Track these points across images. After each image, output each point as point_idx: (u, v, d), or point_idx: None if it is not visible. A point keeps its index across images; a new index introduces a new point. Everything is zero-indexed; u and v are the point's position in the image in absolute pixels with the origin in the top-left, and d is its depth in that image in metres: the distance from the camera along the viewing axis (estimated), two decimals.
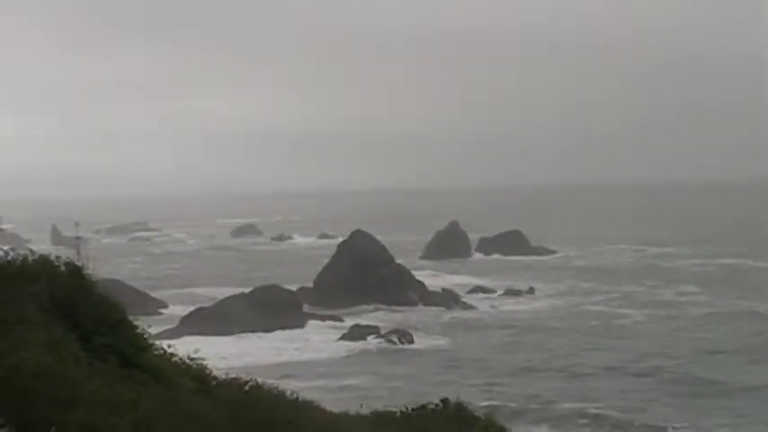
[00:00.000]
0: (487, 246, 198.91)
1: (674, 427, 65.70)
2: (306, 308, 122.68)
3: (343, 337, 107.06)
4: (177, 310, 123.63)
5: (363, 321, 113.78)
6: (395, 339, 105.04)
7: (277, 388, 21.58)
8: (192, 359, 19.43)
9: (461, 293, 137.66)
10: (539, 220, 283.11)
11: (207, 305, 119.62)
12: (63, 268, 17.68)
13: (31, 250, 18.31)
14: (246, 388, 20.00)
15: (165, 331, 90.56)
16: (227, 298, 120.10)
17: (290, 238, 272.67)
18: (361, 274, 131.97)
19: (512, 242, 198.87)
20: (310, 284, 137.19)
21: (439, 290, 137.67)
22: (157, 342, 18.69)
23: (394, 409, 29.32)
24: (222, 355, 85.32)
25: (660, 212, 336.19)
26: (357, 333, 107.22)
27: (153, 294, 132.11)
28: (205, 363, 19.88)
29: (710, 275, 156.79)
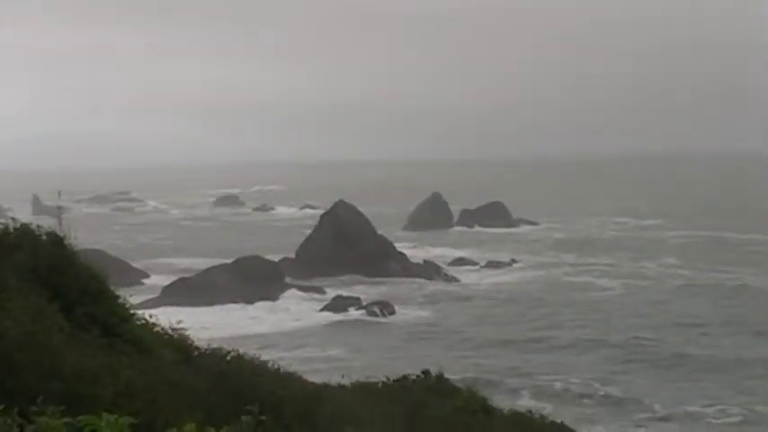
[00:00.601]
0: (469, 217, 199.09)
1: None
2: (288, 279, 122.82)
3: (324, 308, 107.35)
4: (159, 281, 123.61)
5: (345, 292, 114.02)
6: (376, 311, 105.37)
7: (259, 359, 21.62)
8: (173, 329, 19.44)
9: (443, 265, 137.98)
10: (521, 192, 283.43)
11: (189, 275, 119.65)
12: (44, 238, 17.62)
13: (12, 219, 18.24)
14: (228, 358, 20.04)
15: (146, 301, 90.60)
16: (210, 268, 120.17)
17: (273, 208, 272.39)
18: (344, 245, 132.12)
19: (493, 214, 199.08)
20: (292, 255, 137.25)
21: (420, 261, 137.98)
22: (139, 312, 18.70)
23: (375, 380, 29.45)
24: (204, 325, 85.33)
25: (643, 185, 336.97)
26: (339, 304, 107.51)
27: (134, 264, 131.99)
28: (187, 333, 19.90)
29: (691, 247, 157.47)
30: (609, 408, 66.60)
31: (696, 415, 64.53)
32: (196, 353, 19.49)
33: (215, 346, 20.75)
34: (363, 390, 27.51)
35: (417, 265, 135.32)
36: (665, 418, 64.11)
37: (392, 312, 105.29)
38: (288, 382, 20.92)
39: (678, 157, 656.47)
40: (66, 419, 8.16)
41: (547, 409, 60.25)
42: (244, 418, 9.19)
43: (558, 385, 71.50)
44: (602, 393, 69.56)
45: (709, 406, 66.02)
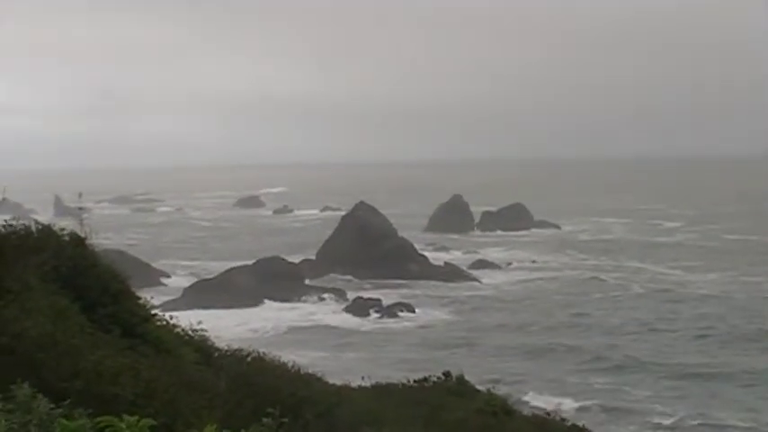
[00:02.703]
0: (490, 219, 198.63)
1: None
2: (308, 280, 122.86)
3: (344, 310, 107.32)
4: (180, 282, 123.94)
5: (365, 294, 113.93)
6: (396, 312, 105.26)
7: (279, 360, 21.65)
8: (194, 330, 19.49)
9: (463, 267, 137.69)
10: (542, 193, 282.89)
11: (209, 276, 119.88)
12: (67, 238, 17.69)
13: (34, 220, 18.33)
14: (248, 359, 20.07)
15: (167, 302, 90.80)
16: (230, 269, 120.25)
17: (293, 210, 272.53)
18: (364, 246, 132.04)
19: (515, 216, 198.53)
20: (313, 257, 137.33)
21: (441, 263, 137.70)
22: (160, 313, 18.74)
23: (396, 382, 29.44)
24: (224, 326, 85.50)
25: (664, 187, 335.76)
26: (359, 306, 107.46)
27: (155, 265, 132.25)
28: (207, 334, 19.94)
29: (714, 250, 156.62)
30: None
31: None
32: (216, 354, 19.54)
33: (235, 347, 20.80)
34: (383, 391, 27.51)
35: (438, 267, 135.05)
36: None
37: (412, 314, 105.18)
38: (308, 383, 20.94)
39: (695, 159, 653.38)
40: (87, 420, 8.19)
41: (564, 406, 60.47)
42: (265, 420, 9.21)
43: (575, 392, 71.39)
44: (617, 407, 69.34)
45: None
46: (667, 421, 63.00)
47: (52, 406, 8.65)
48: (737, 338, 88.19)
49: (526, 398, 63.88)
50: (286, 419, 9.53)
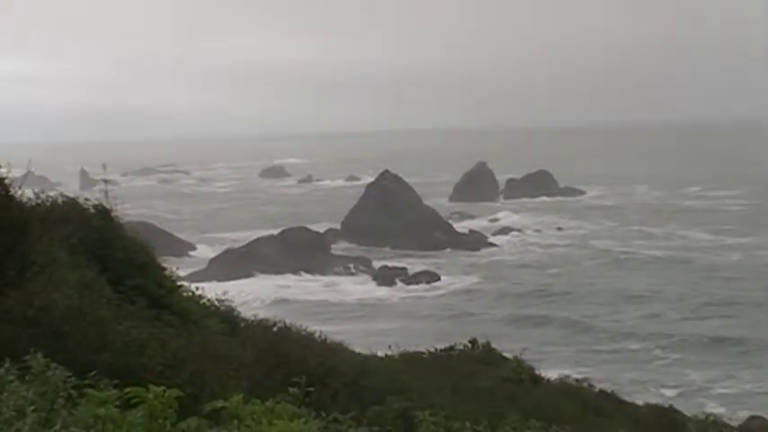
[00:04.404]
0: (515, 186, 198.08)
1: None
2: (333, 249, 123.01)
3: (371, 279, 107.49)
4: (206, 252, 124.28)
5: (391, 263, 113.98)
6: (422, 281, 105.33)
7: (305, 330, 21.66)
8: (220, 300, 19.51)
9: (488, 234, 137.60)
10: (567, 159, 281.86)
11: (235, 246, 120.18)
12: (92, 211, 17.70)
13: (60, 193, 18.35)
14: (275, 329, 20.09)
15: (193, 273, 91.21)
16: (256, 239, 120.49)
17: (318, 179, 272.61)
18: (389, 215, 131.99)
19: (540, 182, 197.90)
20: (338, 226, 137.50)
21: (466, 231, 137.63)
22: (186, 284, 18.76)
23: (422, 351, 29.44)
24: (250, 295, 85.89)
25: (689, 152, 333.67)
26: (385, 275, 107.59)
27: (181, 236, 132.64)
28: (233, 304, 19.96)
29: (741, 215, 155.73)
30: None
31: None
32: (242, 324, 19.56)
33: (261, 316, 20.82)
34: (410, 360, 27.53)
35: (463, 234, 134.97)
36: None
37: (438, 282, 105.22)
38: (335, 352, 20.95)
39: (723, 124, 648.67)
40: (114, 391, 8.21)
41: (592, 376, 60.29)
42: (291, 390, 9.20)
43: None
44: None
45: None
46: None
47: (68, 374, 8.67)
48: None
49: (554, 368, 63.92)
50: (312, 389, 9.51)
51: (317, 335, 21.79)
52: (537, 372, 29.24)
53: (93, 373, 9.19)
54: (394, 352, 27.81)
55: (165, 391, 7.88)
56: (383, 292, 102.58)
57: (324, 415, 10.20)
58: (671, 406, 34.32)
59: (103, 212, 17.76)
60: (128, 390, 8.02)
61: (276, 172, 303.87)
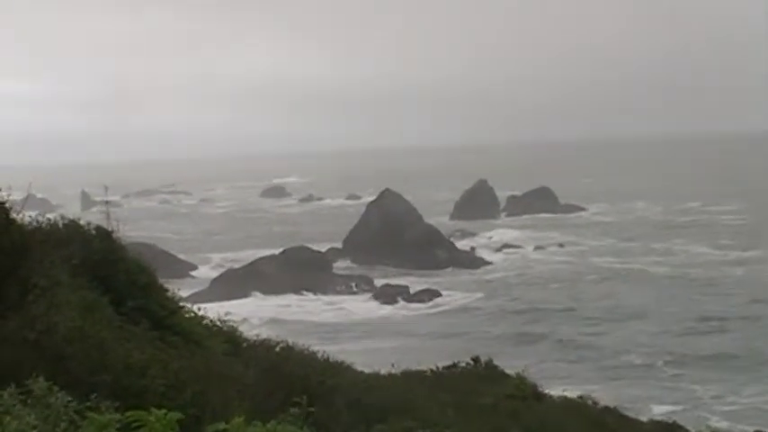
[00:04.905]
0: (516, 203, 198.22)
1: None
2: (335, 268, 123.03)
3: (372, 297, 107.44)
4: (207, 272, 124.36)
5: (392, 281, 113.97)
6: (423, 299, 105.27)
7: (308, 349, 21.65)
8: (222, 321, 19.51)
9: (490, 252, 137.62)
10: (567, 175, 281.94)
11: (237, 267, 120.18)
12: (94, 232, 17.72)
13: (61, 215, 18.37)
14: (277, 349, 20.08)
15: (195, 294, 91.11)
16: (257, 259, 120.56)
17: (319, 198, 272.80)
18: (390, 233, 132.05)
19: (540, 199, 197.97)
20: (339, 245, 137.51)
21: (468, 248, 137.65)
22: (188, 304, 18.76)
23: (425, 369, 29.41)
24: (252, 315, 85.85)
25: (686, 167, 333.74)
26: (386, 293, 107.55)
27: (182, 257, 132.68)
28: (235, 324, 19.96)
29: (742, 229, 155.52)
30: None
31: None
32: (245, 344, 19.56)
33: (263, 336, 20.82)
34: (413, 378, 27.50)
35: (464, 252, 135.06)
36: None
37: (440, 300, 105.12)
38: (337, 371, 20.93)
39: (720, 137, 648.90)
40: (116, 415, 8.20)
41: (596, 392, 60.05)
42: (292, 410, 9.20)
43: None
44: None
45: None
46: None
47: (70, 399, 8.66)
48: None
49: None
50: (314, 408, 9.51)
51: (319, 354, 21.78)
52: (539, 389, 29.18)
53: (95, 395, 9.19)
54: (396, 370, 27.79)
55: (166, 414, 7.88)
56: (385, 310, 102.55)
57: None
58: (674, 422, 34.25)
59: (105, 234, 17.77)
60: (129, 413, 8.01)
61: (277, 191, 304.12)
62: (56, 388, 8.84)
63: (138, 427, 7.93)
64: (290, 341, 21.46)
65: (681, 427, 32.55)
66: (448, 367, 29.79)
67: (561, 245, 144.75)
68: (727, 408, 62.54)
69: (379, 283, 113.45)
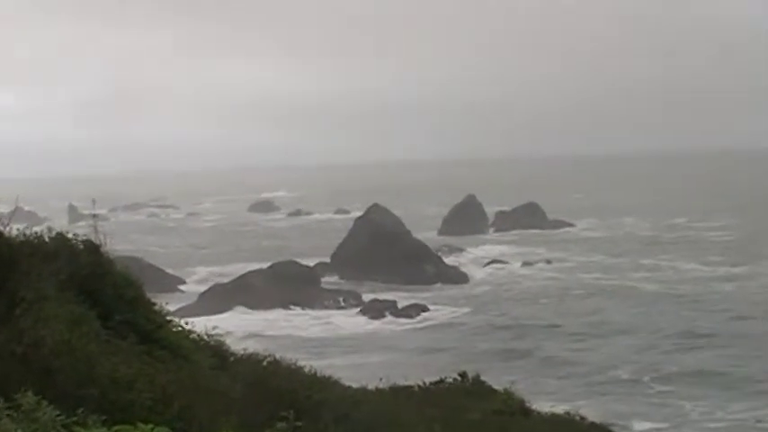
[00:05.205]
0: (504, 219, 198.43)
1: None
2: (323, 283, 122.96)
3: (360, 312, 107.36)
4: (195, 287, 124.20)
5: (380, 296, 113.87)
6: (411, 314, 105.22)
7: (295, 363, 21.64)
8: (209, 335, 19.49)
9: (478, 267, 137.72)
10: (555, 191, 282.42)
11: (224, 281, 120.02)
12: (81, 246, 17.69)
13: (48, 228, 18.34)
14: (264, 363, 20.07)
15: (182, 307, 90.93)
16: (245, 274, 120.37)
17: (307, 213, 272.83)
18: (379, 248, 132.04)
19: (529, 215, 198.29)
20: (328, 260, 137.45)
21: (456, 264, 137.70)
22: (176, 318, 18.75)
23: (412, 384, 29.39)
24: (239, 330, 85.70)
25: (677, 182, 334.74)
26: (374, 308, 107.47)
27: (170, 271, 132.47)
28: (222, 338, 19.95)
29: (730, 246, 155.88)
30: None
31: None
32: (232, 358, 19.55)
33: (251, 351, 20.81)
34: (400, 393, 27.47)
35: (453, 267, 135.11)
36: None
37: (428, 316, 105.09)
38: (325, 386, 20.92)
39: (707, 153, 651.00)
40: (102, 429, 8.21)
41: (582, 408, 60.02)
42: (279, 424, 9.21)
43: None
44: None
45: None
46: None
47: (58, 413, 8.66)
48: None
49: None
50: (301, 423, 9.52)
51: (306, 368, 21.76)
52: (527, 404, 29.18)
53: (82, 409, 9.18)
54: (384, 385, 27.77)
55: (153, 428, 7.88)
56: (373, 325, 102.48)
57: None
58: None
59: (92, 248, 17.76)
60: (116, 428, 8.01)
61: (265, 206, 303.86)
62: (44, 402, 8.84)
63: None
64: (278, 355, 21.45)
65: None
66: (435, 383, 29.77)
67: (549, 261, 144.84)
68: (714, 424, 62.57)
69: (366, 297, 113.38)
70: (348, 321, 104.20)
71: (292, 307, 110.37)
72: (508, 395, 28.85)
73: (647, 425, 61.06)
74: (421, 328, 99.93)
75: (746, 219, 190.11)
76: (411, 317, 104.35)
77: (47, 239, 17.27)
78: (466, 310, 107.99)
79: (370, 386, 26.95)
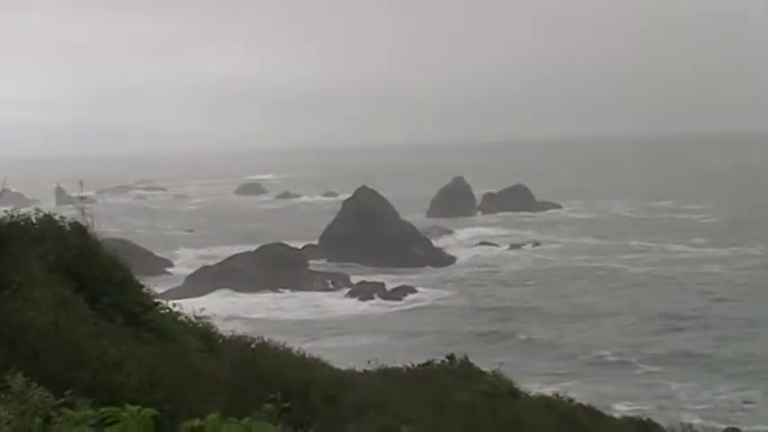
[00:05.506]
0: (492, 201, 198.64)
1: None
2: (311, 265, 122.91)
3: (349, 294, 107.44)
4: (182, 269, 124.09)
5: (369, 278, 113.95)
6: (400, 296, 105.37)
7: (283, 345, 21.62)
8: (197, 318, 19.45)
9: (466, 249, 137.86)
10: (542, 173, 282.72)
11: (212, 263, 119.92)
12: (68, 228, 17.62)
13: (36, 210, 18.25)
14: (252, 345, 20.05)
15: (170, 290, 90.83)
16: (233, 256, 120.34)
17: (295, 196, 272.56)
18: (367, 231, 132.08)
19: (517, 197, 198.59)
20: (316, 242, 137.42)
21: (444, 246, 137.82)
22: (163, 301, 18.71)
23: (401, 366, 29.43)
24: (227, 312, 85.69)
25: (663, 166, 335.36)
26: (363, 290, 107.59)
27: (158, 253, 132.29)
28: (210, 321, 19.91)
29: (715, 228, 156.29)
30: None
31: None
32: (220, 341, 19.52)
33: (239, 333, 20.79)
34: (388, 375, 27.50)
35: (440, 249, 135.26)
36: None
37: (416, 297, 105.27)
38: (313, 368, 20.92)
39: (695, 137, 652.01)
40: (90, 411, 8.17)
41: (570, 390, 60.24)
42: (266, 405, 9.18)
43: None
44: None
45: None
46: None
47: (48, 395, 8.64)
48: None
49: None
50: (289, 404, 9.49)
51: (295, 350, 21.76)
52: (515, 386, 29.25)
53: (70, 391, 9.16)
54: (372, 367, 27.79)
55: (140, 410, 7.85)
56: (361, 307, 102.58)
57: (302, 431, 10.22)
58: (649, 419, 34.42)
59: (80, 230, 17.68)
60: (103, 410, 7.99)
61: (254, 188, 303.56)
62: (34, 384, 8.81)
63: (113, 423, 7.91)
64: (266, 338, 21.44)
65: (655, 423, 32.71)
66: (423, 365, 29.81)
67: (536, 242, 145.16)
68: (700, 406, 62.82)
69: (355, 280, 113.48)
70: (336, 303, 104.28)
71: (280, 289, 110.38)
72: (496, 377, 28.90)
73: (635, 405, 61.21)
74: (409, 310, 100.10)
75: (731, 202, 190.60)
76: (399, 299, 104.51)
77: (34, 221, 17.20)
78: (454, 291, 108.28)
79: (359, 368, 26.97)
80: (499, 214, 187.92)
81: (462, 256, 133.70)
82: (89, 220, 18.16)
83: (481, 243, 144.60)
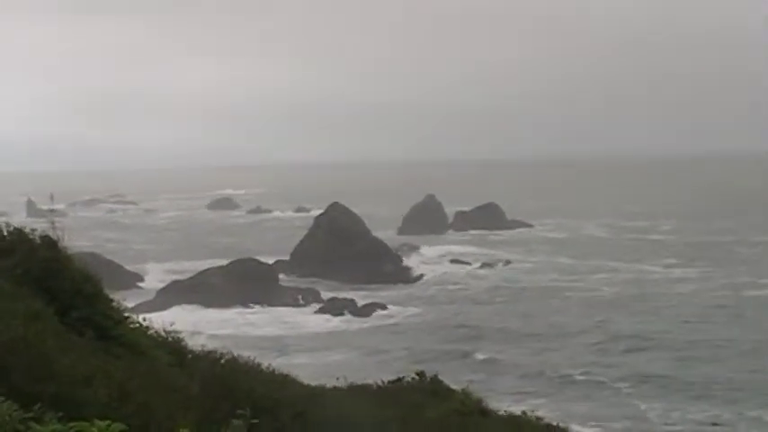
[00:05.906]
0: (464, 219, 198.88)
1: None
2: (282, 281, 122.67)
3: (319, 311, 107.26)
4: (153, 283, 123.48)
5: (340, 294, 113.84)
6: (370, 312, 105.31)
7: (253, 361, 21.60)
8: (167, 332, 19.40)
9: (437, 266, 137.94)
10: (514, 193, 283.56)
11: (183, 278, 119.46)
12: (38, 241, 17.55)
13: (6, 223, 18.18)
14: (222, 361, 20.01)
15: (141, 304, 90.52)
16: (204, 271, 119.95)
17: (267, 211, 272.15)
18: (338, 247, 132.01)
19: (488, 215, 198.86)
20: (287, 257, 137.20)
21: (415, 263, 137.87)
22: (134, 315, 18.65)
23: (371, 383, 29.41)
24: (198, 327, 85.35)
25: (636, 187, 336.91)
26: (333, 306, 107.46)
27: (129, 267, 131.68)
28: (181, 336, 19.87)
29: (687, 251, 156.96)
30: None
31: None
32: (190, 355, 19.46)
33: (209, 348, 20.74)
34: (358, 392, 27.48)
35: (412, 267, 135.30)
36: None
37: (387, 314, 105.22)
38: (283, 384, 20.90)
39: (668, 158, 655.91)
40: (58, 426, 8.15)
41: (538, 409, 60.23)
42: (235, 421, 9.19)
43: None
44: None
45: None
46: None
47: (16, 408, 8.60)
48: None
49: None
50: (257, 420, 9.50)
51: (264, 366, 21.73)
52: (484, 404, 29.27)
53: (39, 405, 9.12)
54: (342, 384, 27.77)
55: (109, 425, 7.84)
56: (332, 323, 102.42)
57: None
58: None
59: (51, 243, 17.62)
60: (72, 424, 7.97)
61: (225, 203, 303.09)
62: (1, 398, 8.77)
63: None
64: (236, 353, 21.41)
65: None
66: (393, 381, 29.79)
67: (508, 261, 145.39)
68: (670, 428, 62.98)
69: (326, 296, 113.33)
70: (307, 319, 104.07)
71: (251, 305, 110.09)
72: (466, 395, 28.91)
73: (605, 425, 61.38)
74: (379, 327, 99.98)
75: (700, 222, 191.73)
76: (369, 315, 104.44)
77: (5, 234, 17.13)
78: (424, 309, 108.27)
79: (328, 384, 26.95)
80: (471, 232, 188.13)
81: (433, 273, 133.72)
82: (59, 233, 18.11)
83: (452, 261, 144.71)
